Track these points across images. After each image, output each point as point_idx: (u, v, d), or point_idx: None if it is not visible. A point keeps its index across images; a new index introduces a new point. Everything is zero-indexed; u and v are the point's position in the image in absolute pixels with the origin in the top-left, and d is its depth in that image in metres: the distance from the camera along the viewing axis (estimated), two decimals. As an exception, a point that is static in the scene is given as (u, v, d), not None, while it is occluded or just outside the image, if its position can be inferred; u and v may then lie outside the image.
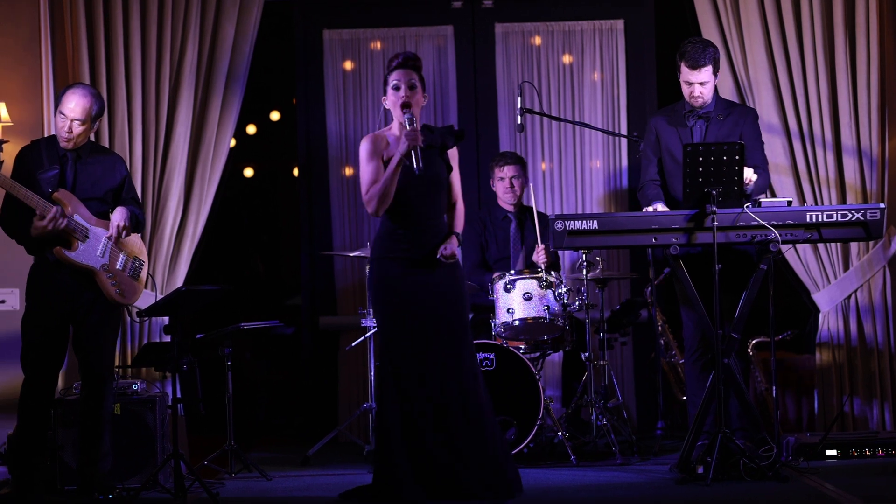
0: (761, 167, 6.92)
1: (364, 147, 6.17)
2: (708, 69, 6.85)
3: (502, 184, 8.03)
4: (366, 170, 6.13)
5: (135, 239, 6.60)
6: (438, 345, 6.04)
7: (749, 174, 6.61)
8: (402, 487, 5.95)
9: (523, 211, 8.08)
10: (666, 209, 6.75)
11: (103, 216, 6.46)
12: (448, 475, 5.96)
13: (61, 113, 6.35)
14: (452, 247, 6.11)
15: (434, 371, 6.02)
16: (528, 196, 7.94)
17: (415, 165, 5.98)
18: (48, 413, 6.47)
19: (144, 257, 6.63)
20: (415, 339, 6.05)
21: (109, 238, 6.40)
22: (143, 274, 6.59)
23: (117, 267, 6.43)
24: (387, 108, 6.22)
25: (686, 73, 6.88)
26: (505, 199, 8.07)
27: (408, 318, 6.08)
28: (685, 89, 6.93)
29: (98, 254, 6.36)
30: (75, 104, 6.34)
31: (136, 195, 6.70)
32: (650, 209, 6.75)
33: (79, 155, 6.42)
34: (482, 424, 6.04)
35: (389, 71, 6.19)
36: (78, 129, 6.36)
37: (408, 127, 6.05)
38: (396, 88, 6.13)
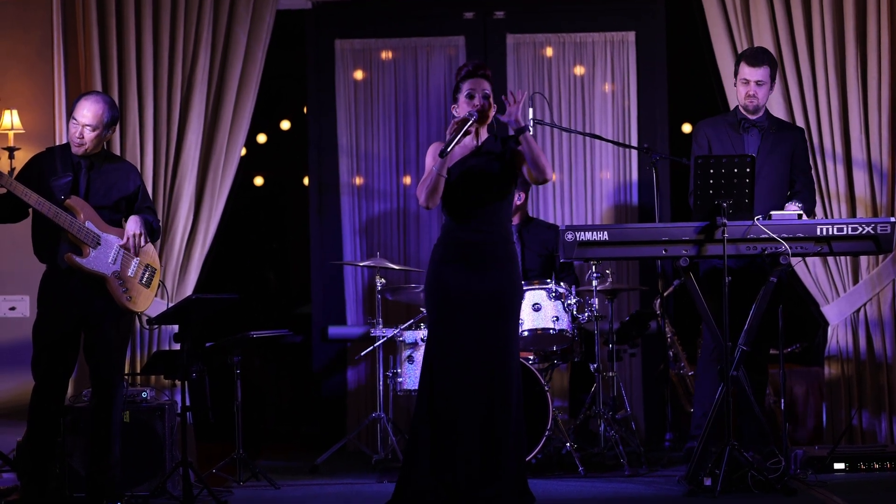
0: (806, 190, 7.05)
1: (429, 150, 6.18)
2: (766, 69, 7.01)
3: None
4: (426, 167, 6.12)
5: (148, 247, 6.59)
6: (469, 356, 5.99)
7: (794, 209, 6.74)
8: (423, 497, 5.95)
9: (526, 222, 8.08)
10: None
11: (115, 224, 6.46)
12: (464, 487, 5.94)
13: (73, 119, 6.36)
14: (512, 109, 5.91)
15: (463, 382, 5.98)
16: (533, 207, 7.90)
17: (445, 146, 5.91)
18: (58, 420, 6.48)
19: (157, 265, 6.64)
20: (447, 348, 6.02)
21: (125, 247, 6.40)
22: (156, 282, 6.60)
23: (129, 274, 6.43)
24: (456, 115, 6.12)
25: (745, 72, 7.03)
26: None
27: (443, 325, 6.06)
28: (742, 90, 7.06)
29: (109, 261, 6.36)
30: (87, 110, 6.35)
31: (152, 205, 6.68)
32: None
33: (92, 163, 6.42)
34: (505, 441, 5.98)
35: (461, 80, 6.12)
36: (89, 135, 6.36)
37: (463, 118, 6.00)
38: (470, 97, 6.07)
